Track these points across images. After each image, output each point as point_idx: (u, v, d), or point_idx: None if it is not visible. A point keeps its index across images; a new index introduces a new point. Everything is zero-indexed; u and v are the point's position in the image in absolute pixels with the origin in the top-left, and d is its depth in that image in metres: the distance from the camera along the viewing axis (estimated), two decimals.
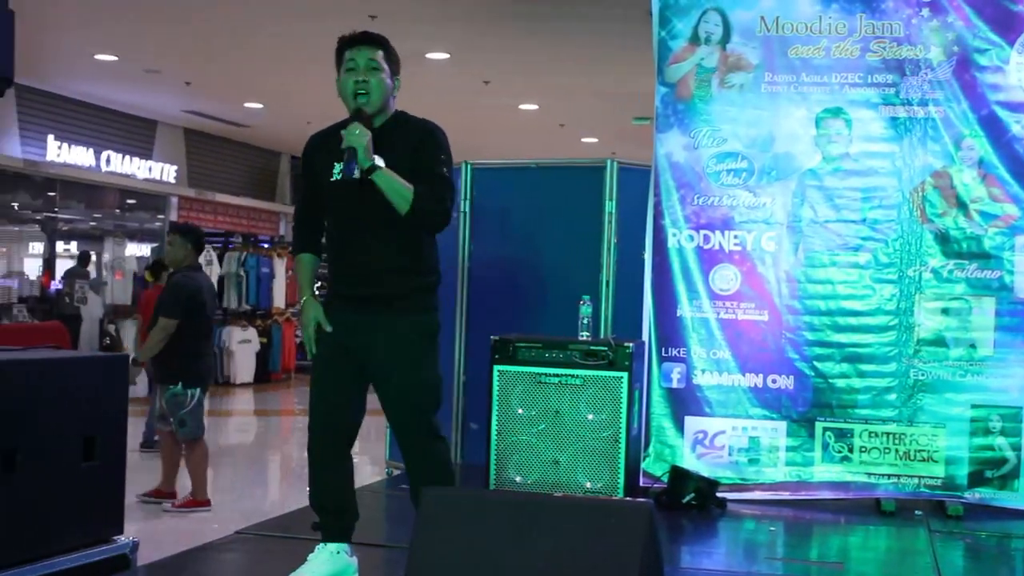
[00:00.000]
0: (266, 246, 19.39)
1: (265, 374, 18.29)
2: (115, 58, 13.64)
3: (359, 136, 4.43)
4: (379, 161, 4.45)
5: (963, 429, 6.47)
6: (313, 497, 4.80)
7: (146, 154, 17.61)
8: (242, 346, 17.63)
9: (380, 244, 4.56)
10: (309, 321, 4.69)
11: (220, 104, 16.60)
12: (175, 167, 18.09)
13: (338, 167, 4.51)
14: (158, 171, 17.60)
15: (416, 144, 4.59)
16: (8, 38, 4.60)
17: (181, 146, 18.68)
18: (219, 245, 18.32)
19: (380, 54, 4.67)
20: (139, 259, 17.45)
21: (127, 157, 16.92)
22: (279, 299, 18.82)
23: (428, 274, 4.70)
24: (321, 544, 4.69)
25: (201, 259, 16.52)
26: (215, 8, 11.13)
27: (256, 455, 11.91)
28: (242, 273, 17.90)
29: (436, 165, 4.59)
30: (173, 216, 16.97)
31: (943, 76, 6.53)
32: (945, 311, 6.53)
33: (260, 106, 16.51)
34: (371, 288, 4.59)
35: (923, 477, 6.50)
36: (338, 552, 4.66)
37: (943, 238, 6.53)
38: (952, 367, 6.49)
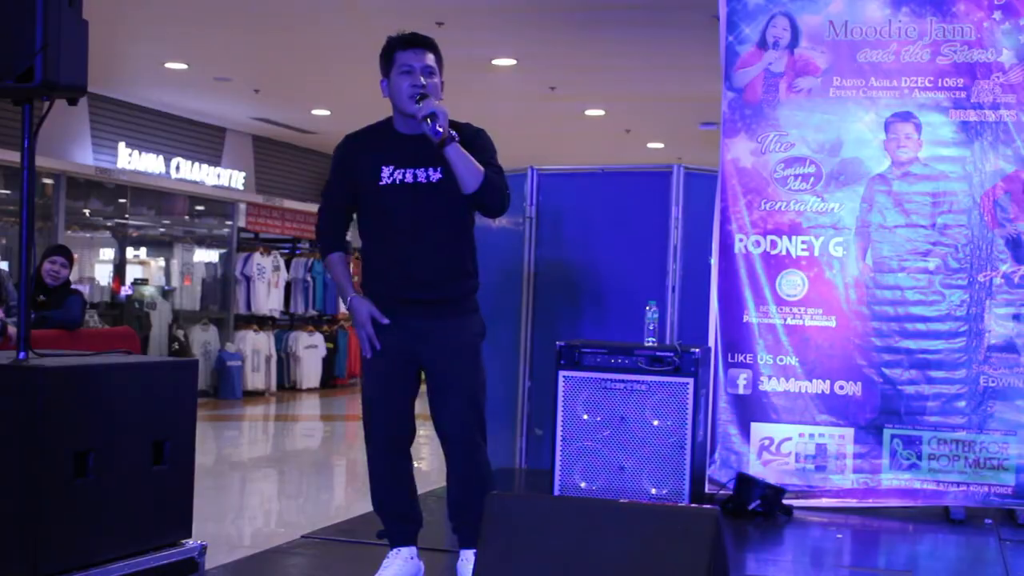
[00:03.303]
0: None
1: (331, 379, 18.37)
2: (185, 66, 13.77)
3: (440, 104, 4.50)
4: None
5: None
6: (380, 505, 4.80)
7: (215, 161, 17.76)
8: (309, 351, 17.72)
9: (435, 247, 4.59)
10: (365, 319, 4.63)
11: (288, 111, 16.71)
12: (243, 174, 18.24)
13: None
14: (226, 178, 17.74)
15: (468, 142, 4.59)
16: (82, 48, 4.67)
17: (249, 153, 18.83)
18: (286, 251, 18.42)
19: (433, 57, 4.76)
20: (207, 265, 17.60)
21: (196, 164, 17.08)
22: (345, 305, 18.89)
23: (476, 275, 4.76)
24: (394, 550, 4.71)
25: (268, 265, 16.79)
26: (284, 16, 11.21)
27: (322, 460, 11.96)
28: (309, 279, 17.98)
29: (493, 159, 4.64)
30: (241, 222, 17.08)
31: (1015, 79, 6.46)
32: (1016, 317, 6.45)
33: (327, 113, 16.60)
34: (428, 291, 4.60)
35: (993, 485, 6.42)
36: (411, 557, 4.70)
37: (1014, 243, 6.45)
38: (1023, 374, 6.41)
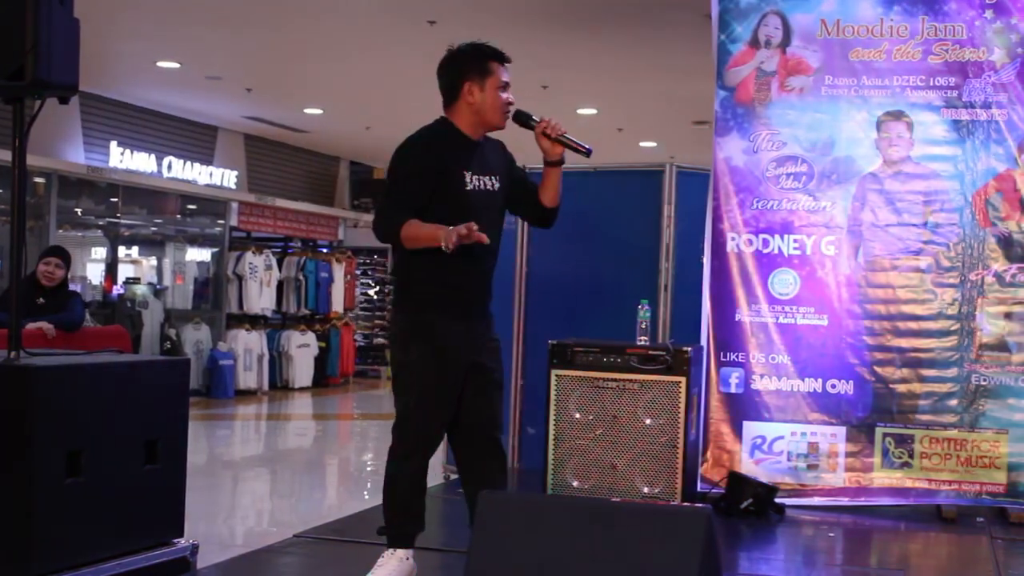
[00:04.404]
0: (325, 251, 19.47)
1: (324, 378, 18.37)
2: (177, 65, 13.75)
3: None
4: None
5: None
6: (404, 507, 4.78)
7: (207, 160, 17.73)
8: (301, 350, 17.71)
9: (495, 251, 4.77)
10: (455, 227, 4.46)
11: (280, 110, 16.69)
12: (235, 172, 18.21)
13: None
14: (219, 177, 17.72)
15: (508, 159, 4.90)
16: (73, 46, 4.66)
17: (241, 152, 18.80)
18: (278, 250, 18.42)
19: None
20: (199, 264, 17.58)
21: (188, 163, 17.05)
22: (338, 304, 18.89)
23: None
24: (390, 550, 4.71)
25: (260, 264, 16.78)
26: (276, 15, 11.20)
27: (314, 459, 11.95)
28: (301, 278, 17.98)
29: (528, 177, 4.96)
30: (234, 221, 17.06)
31: (1007, 78, 6.47)
32: (1008, 315, 6.46)
33: (319, 111, 16.58)
34: (486, 297, 4.80)
35: (985, 484, 6.43)
36: (407, 558, 4.70)
37: (1006, 242, 6.46)
38: (1015, 372, 6.43)
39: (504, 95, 4.78)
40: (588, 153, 4.92)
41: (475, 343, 4.72)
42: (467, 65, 4.79)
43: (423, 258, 4.59)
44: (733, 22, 6.78)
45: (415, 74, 13.74)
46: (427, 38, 11.74)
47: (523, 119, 4.84)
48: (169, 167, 16.64)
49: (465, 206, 4.65)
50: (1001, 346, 6.46)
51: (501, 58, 4.83)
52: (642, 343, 6.26)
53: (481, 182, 4.73)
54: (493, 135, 4.91)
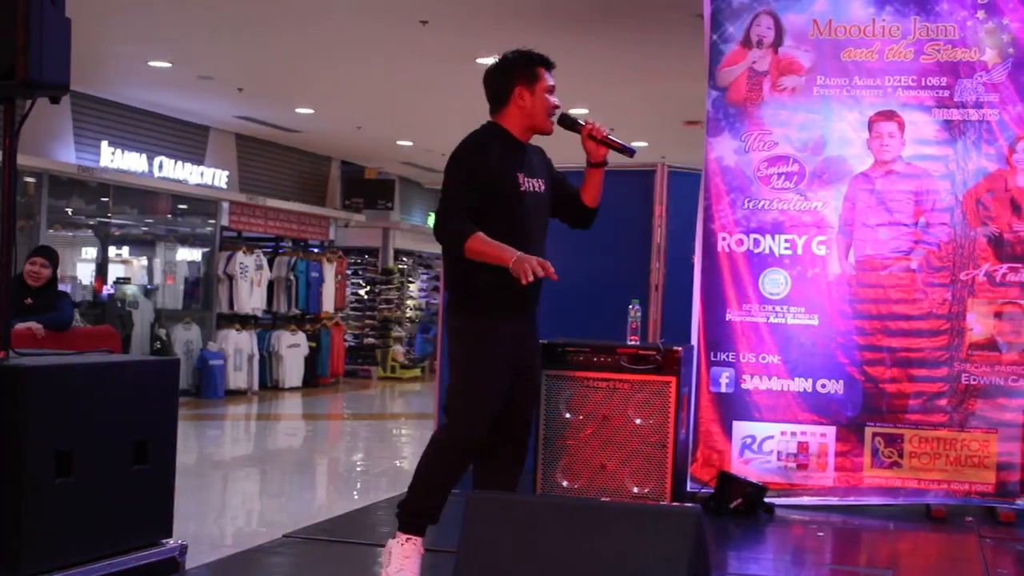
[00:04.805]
0: (316, 251, 19.47)
1: (314, 378, 18.37)
2: (168, 65, 13.74)
3: None
4: None
5: (1015, 435, 6.40)
6: (429, 500, 4.82)
7: (198, 159, 17.72)
8: (291, 350, 17.72)
9: (544, 251, 4.92)
10: (532, 258, 4.60)
11: (271, 109, 16.68)
12: (226, 172, 18.20)
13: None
14: (210, 176, 17.70)
15: (549, 162, 5.10)
16: (64, 46, 4.64)
17: (232, 151, 18.79)
18: (269, 250, 18.41)
19: None
20: (190, 264, 17.57)
21: (179, 163, 17.04)
22: (328, 304, 18.89)
23: None
24: (415, 538, 4.74)
25: (251, 263, 16.76)
26: (268, 14, 11.19)
27: (304, 459, 11.95)
28: (292, 278, 17.99)
29: (567, 179, 5.16)
30: (224, 221, 17.06)
31: (998, 78, 6.48)
32: (998, 315, 6.47)
33: (311, 111, 16.57)
34: (537, 297, 4.96)
35: (974, 483, 6.44)
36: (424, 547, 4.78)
37: (997, 242, 6.47)
38: (1005, 372, 6.43)
39: (551, 99, 4.96)
40: (632, 153, 5.19)
41: (530, 344, 5.00)
42: (517, 70, 4.96)
43: (485, 264, 4.70)
44: (725, 22, 6.78)
45: (407, 74, 13.76)
46: (419, 38, 11.74)
47: (569, 123, 5.12)
48: (160, 167, 16.62)
49: (520, 208, 4.83)
50: (991, 346, 6.47)
51: (548, 64, 5.01)
52: (632, 343, 6.26)
53: (532, 184, 4.89)
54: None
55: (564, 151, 5.52)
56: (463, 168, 4.80)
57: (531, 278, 4.53)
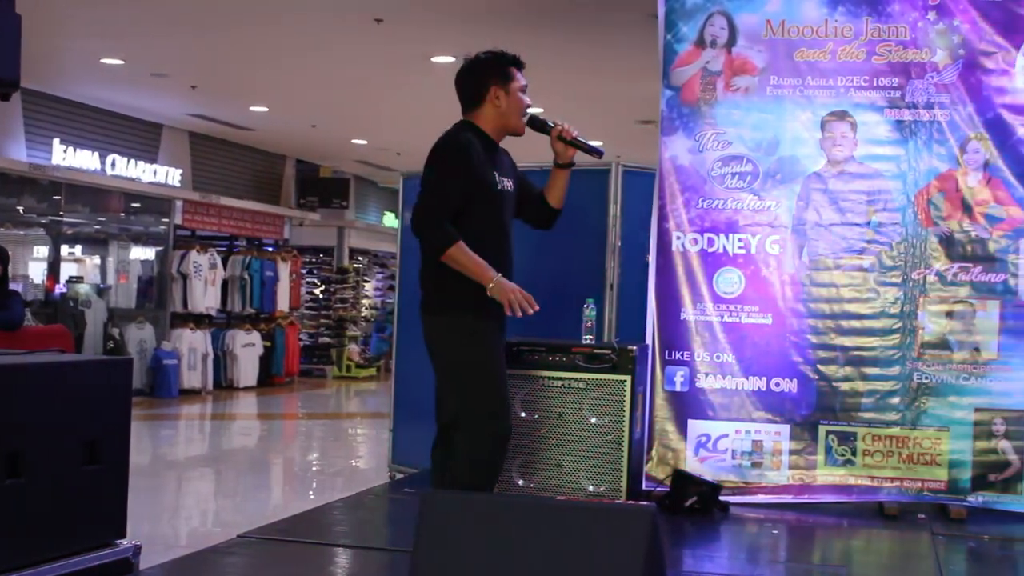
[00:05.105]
0: (270, 250, 19.40)
1: (268, 378, 18.30)
2: (121, 62, 13.65)
3: None
4: None
5: (967, 432, 6.46)
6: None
7: (151, 157, 17.62)
8: (246, 350, 17.64)
9: (512, 247, 5.12)
10: (516, 286, 4.92)
11: (225, 107, 16.61)
12: (180, 170, 18.11)
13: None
14: (163, 174, 17.61)
15: (513, 162, 5.24)
16: (15, 42, 4.60)
17: (186, 149, 18.70)
18: (223, 249, 18.33)
19: None
20: (143, 263, 17.46)
21: (132, 161, 16.94)
22: (283, 303, 18.83)
23: None
24: None
25: (205, 262, 16.67)
26: (222, 12, 11.14)
27: (259, 459, 11.91)
28: (246, 277, 17.92)
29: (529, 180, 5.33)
30: (178, 220, 16.97)
31: (949, 79, 6.52)
32: (949, 314, 6.52)
33: (265, 109, 16.51)
34: None
35: (926, 481, 6.49)
36: None
37: (948, 241, 6.52)
38: (956, 370, 6.48)
39: (524, 98, 5.10)
40: (600, 155, 5.38)
41: (503, 341, 5.15)
42: (491, 70, 5.08)
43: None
44: (679, 22, 6.80)
45: (362, 72, 13.72)
46: (374, 36, 11.72)
47: (538, 124, 5.20)
48: (113, 165, 16.52)
49: (496, 206, 4.98)
50: (943, 344, 6.52)
51: (520, 64, 5.14)
52: (588, 342, 6.26)
53: (504, 184, 5.02)
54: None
55: (521, 150, 5.55)
56: (449, 166, 4.87)
57: (519, 313, 4.75)
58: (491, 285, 4.81)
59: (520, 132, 5.14)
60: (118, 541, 4.95)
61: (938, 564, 5.35)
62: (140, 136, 17.53)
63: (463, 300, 4.88)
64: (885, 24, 6.58)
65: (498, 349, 5.02)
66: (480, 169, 4.90)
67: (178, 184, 17.90)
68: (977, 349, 6.48)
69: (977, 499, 6.43)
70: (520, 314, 4.86)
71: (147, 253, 17.54)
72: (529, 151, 5.30)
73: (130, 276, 17.33)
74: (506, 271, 5.02)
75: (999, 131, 6.49)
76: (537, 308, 4.94)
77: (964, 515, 6.31)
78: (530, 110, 5.31)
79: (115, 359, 5.99)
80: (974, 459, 6.45)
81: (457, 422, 4.99)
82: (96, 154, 16.27)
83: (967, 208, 6.50)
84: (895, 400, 6.53)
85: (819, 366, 6.59)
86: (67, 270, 16.54)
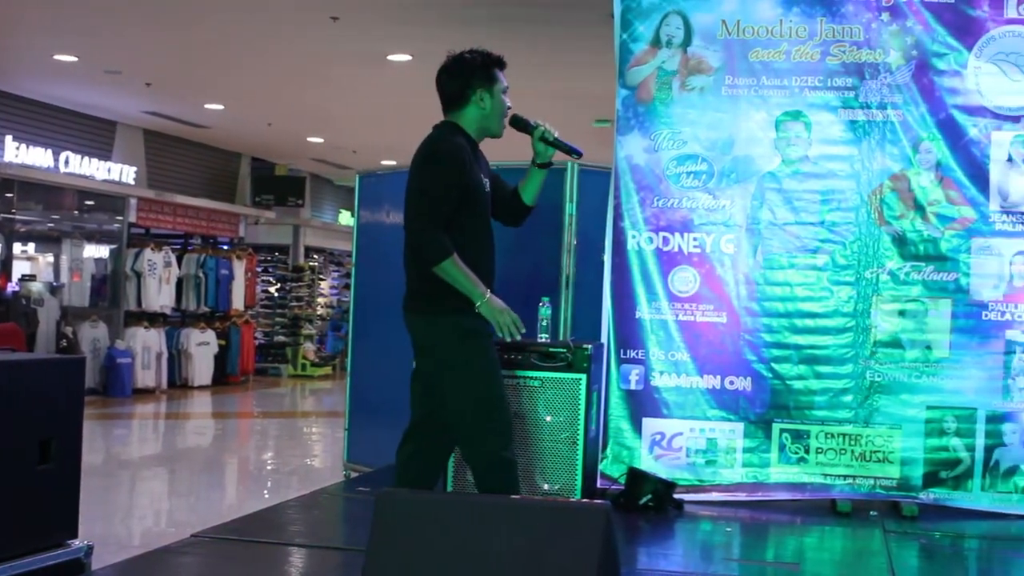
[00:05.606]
0: (225, 248, 19.32)
1: (223, 376, 18.22)
2: (75, 59, 13.56)
3: None
4: None
5: (918, 430, 6.51)
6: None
7: (105, 155, 17.50)
8: (200, 348, 17.56)
9: (494, 246, 5.13)
10: (506, 307, 4.96)
11: (180, 105, 16.53)
12: (134, 168, 17.99)
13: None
14: (117, 172, 17.49)
15: (487, 161, 5.21)
16: None
17: (140, 147, 18.58)
18: (178, 247, 18.24)
19: None
20: (97, 261, 17.34)
21: (86, 158, 16.82)
22: (238, 301, 18.75)
23: None
24: None
25: (160, 261, 16.58)
26: (177, 9, 11.07)
27: (213, 458, 11.85)
28: (201, 275, 17.83)
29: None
30: (132, 218, 16.86)
31: (902, 80, 6.57)
32: (902, 313, 6.56)
33: (220, 107, 16.44)
34: (494, 289, 5.06)
35: (878, 478, 6.53)
36: None
37: (900, 240, 6.57)
38: (908, 368, 6.53)
39: (506, 100, 5.10)
40: (580, 155, 5.43)
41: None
42: (475, 72, 5.07)
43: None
44: (635, 21, 6.82)
45: (318, 71, 13.68)
46: (330, 35, 11.69)
47: (521, 124, 5.17)
48: (66, 162, 16.40)
49: (483, 208, 5.02)
50: (895, 343, 6.56)
51: (503, 65, 5.15)
52: (543, 340, 6.27)
53: (486, 184, 5.05)
54: None
55: (521, 151, 5.61)
56: (443, 174, 4.87)
57: (508, 337, 4.88)
58: (480, 303, 4.82)
59: (500, 134, 5.14)
60: (70, 541, 4.92)
61: (890, 561, 5.39)
62: (94, 133, 17.41)
63: (456, 303, 4.87)
64: (839, 25, 6.62)
65: (493, 349, 5.01)
66: (472, 174, 4.91)
67: (132, 182, 17.78)
68: (929, 348, 6.54)
69: (928, 496, 6.49)
70: (508, 338, 4.89)
71: (101, 251, 17.41)
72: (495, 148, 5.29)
73: (84, 274, 17.20)
74: (493, 272, 5.09)
75: (951, 132, 6.54)
76: (524, 331, 4.99)
77: (916, 512, 6.36)
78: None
79: (68, 358, 5.96)
80: (925, 456, 6.50)
81: (456, 429, 5.00)
82: (49, 151, 16.14)
83: (919, 208, 6.55)
84: (848, 398, 6.57)
85: (773, 364, 6.63)
86: (20, 268, 16.40)
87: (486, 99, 5.04)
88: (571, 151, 5.39)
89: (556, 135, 5.29)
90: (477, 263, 4.93)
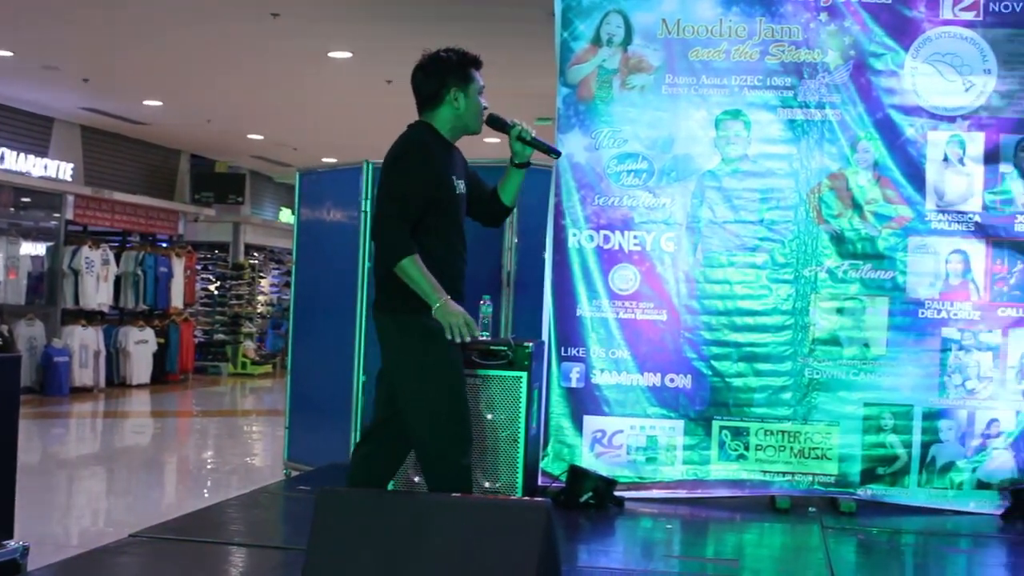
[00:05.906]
0: (164, 245, 19.17)
1: (162, 375, 18.08)
2: (11, 54, 13.40)
3: None
4: None
5: (856, 427, 6.57)
6: None
7: (42, 152, 17.31)
8: (139, 347, 17.41)
9: (466, 248, 5.02)
10: (462, 310, 4.80)
11: (119, 101, 16.37)
12: (72, 165, 17.81)
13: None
14: (54, 169, 17.31)
15: (465, 160, 5.15)
16: None
17: (78, 144, 18.39)
18: (116, 244, 18.07)
19: None
20: (33, 258, 17.15)
21: (22, 155, 16.63)
22: (177, 299, 18.62)
23: None
24: None
25: (97, 258, 16.43)
26: (114, 4, 10.97)
27: (152, 457, 11.76)
28: (140, 273, 17.68)
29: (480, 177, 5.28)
30: (69, 215, 16.69)
31: (840, 80, 6.63)
32: (840, 311, 6.62)
33: (159, 103, 16.31)
34: (463, 291, 4.96)
35: (817, 474, 6.59)
36: None
37: (838, 239, 6.63)
38: (846, 366, 6.59)
39: (482, 100, 5.04)
40: (558, 154, 5.47)
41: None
42: (451, 71, 5.00)
43: (430, 263, 4.76)
44: (576, 20, 6.83)
45: (258, 67, 13.61)
46: (270, 31, 11.62)
47: (499, 123, 5.12)
48: (2, 158, 16.20)
49: (455, 210, 4.92)
50: (833, 340, 6.62)
51: (479, 64, 5.12)
52: (484, 338, 6.27)
53: (460, 186, 4.95)
54: None
55: (463, 149, 5.54)
56: (411, 174, 4.78)
57: (459, 339, 4.73)
58: (437, 305, 4.71)
59: (479, 130, 5.10)
60: (6, 542, 4.88)
61: (828, 556, 5.43)
62: (30, 129, 17.22)
63: (423, 301, 4.79)
64: (778, 24, 6.67)
65: (456, 350, 4.85)
66: (441, 176, 4.85)
67: (70, 179, 17.60)
68: (866, 345, 6.60)
69: (866, 492, 6.56)
70: (459, 340, 4.76)
71: (37, 248, 17.21)
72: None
73: (20, 272, 16.98)
74: (463, 273, 4.99)
75: (888, 131, 6.61)
76: (478, 335, 4.97)
77: (853, 508, 6.42)
78: None
79: (3, 356, 5.90)
80: (863, 453, 6.57)
81: (414, 432, 4.88)
82: None
83: (857, 206, 6.62)
84: (787, 395, 6.62)
85: (713, 362, 6.67)
86: None
87: (460, 99, 4.97)
88: (549, 151, 5.38)
89: (534, 135, 5.24)
90: (446, 264, 4.84)
